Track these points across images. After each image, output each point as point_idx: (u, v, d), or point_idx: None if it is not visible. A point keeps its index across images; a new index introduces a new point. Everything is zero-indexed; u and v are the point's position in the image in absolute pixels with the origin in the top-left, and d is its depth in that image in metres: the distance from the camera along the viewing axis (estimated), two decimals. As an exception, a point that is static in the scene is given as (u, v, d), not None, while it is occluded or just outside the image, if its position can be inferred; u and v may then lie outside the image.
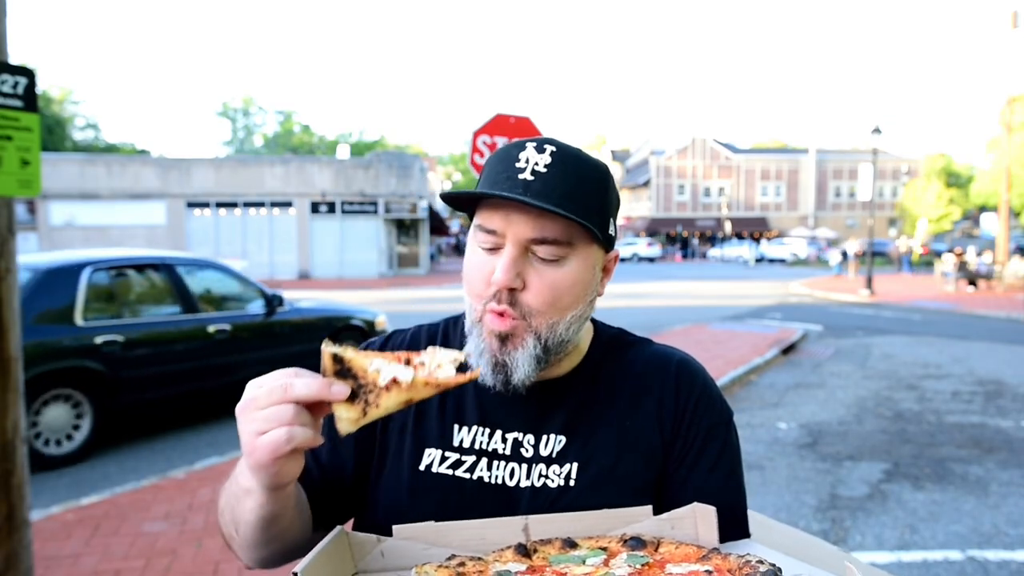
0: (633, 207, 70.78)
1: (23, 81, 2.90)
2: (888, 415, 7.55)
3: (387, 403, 0.80)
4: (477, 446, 1.05)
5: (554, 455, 1.04)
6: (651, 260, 52.02)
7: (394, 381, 0.80)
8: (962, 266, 24.19)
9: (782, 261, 48.19)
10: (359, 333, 8.93)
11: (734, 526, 1.01)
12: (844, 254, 35.27)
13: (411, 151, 60.20)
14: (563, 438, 1.05)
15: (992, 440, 6.60)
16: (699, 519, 0.96)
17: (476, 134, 5.27)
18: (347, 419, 0.80)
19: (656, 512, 0.97)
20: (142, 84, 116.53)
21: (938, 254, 38.98)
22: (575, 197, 0.96)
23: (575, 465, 1.03)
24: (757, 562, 0.83)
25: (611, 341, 1.14)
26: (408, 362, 0.82)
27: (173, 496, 4.91)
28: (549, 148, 0.97)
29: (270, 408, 0.80)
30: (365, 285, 27.50)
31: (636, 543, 0.91)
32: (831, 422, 7.26)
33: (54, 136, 45.94)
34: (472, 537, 0.93)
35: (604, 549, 0.91)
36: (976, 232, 59.08)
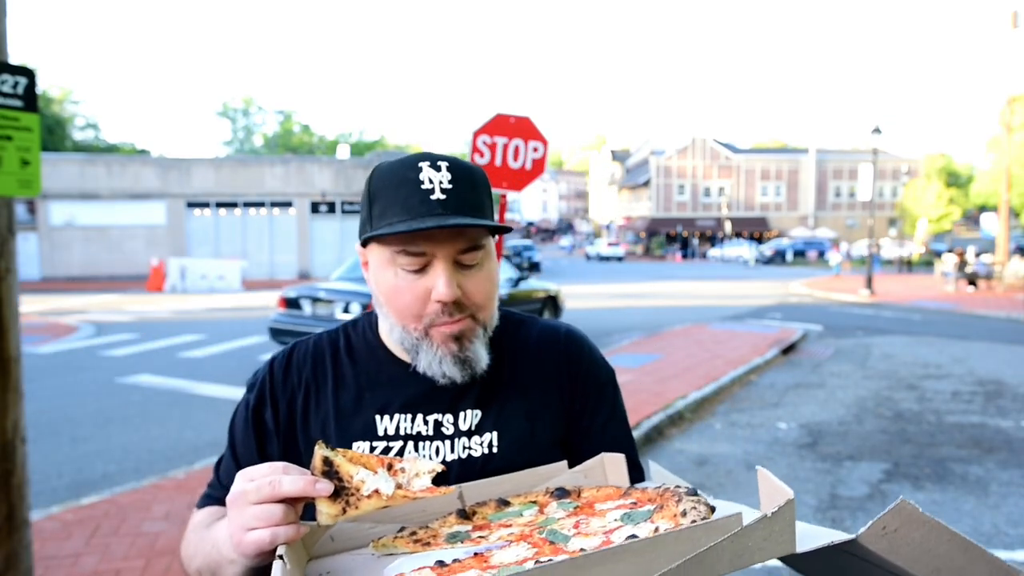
0: (633, 207, 70.74)
1: (23, 81, 2.90)
2: (888, 415, 7.55)
3: (365, 507, 0.86)
4: (402, 432, 1.13)
5: (473, 428, 1.13)
6: (619, 259, 51.66)
7: (376, 492, 0.86)
8: (962, 266, 24.17)
9: (783, 261, 48.19)
10: (552, 300, 12.52)
11: (635, 469, 1.14)
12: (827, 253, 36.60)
13: (411, 151, 60.12)
14: (479, 412, 1.14)
15: (992, 440, 6.60)
16: (607, 466, 1.08)
17: (476, 134, 5.26)
18: (327, 514, 0.86)
19: (570, 466, 1.09)
20: (142, 84, 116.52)
21: (938, 254, 39.02)
22: (479, 204, 1.06)
23: (494, 434, 1.14)
24: (675, 487, 0.90)
25: (503, 321, 1.22)
26: (390, 467, 0.89)
27: (173, 496, 4.91)
28: (443, 164, 1.05)
29: (259, 506, 0.86)
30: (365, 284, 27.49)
31: (561, 492, 1.01)
32: (831, 422, 7.26)
33: (54, 136, 45.92)
34: (414, 510, 1.00)
35: (534, 502, 1.01)
36: (966, 233, 59.01)
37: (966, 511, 4.88)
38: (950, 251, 25.54)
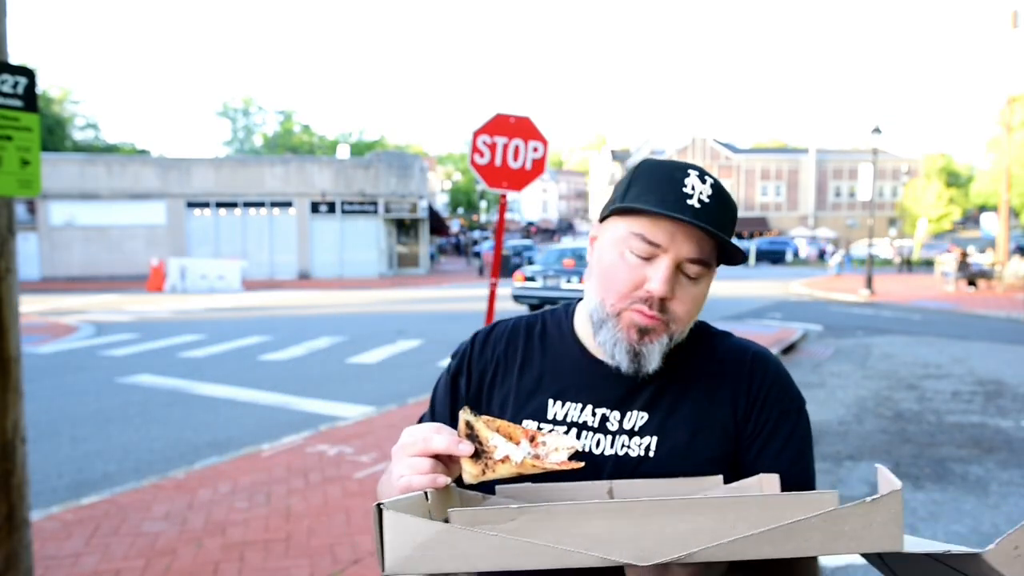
0: (633, 207, 70.65)
1: (23, 81, 2.90)
2: (888, 415, 7.55)
3: (500, 471, 0.94)
4: (569, 419, 1.17)
5: (636, 429, 1.16)
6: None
7: (506, 458, 0.94)
8: (963, 265, 24.16)
9: (782, 261, 48.16)
10: None
11: None
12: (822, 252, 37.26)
13: (411, 151, 60.14)
14: (645, 414, 1.16)
15: (992, 440, 6.60)
16: (764, 486, 1.04)
17: (476, 134, 5.26)
18: (470, 473, 0.94)
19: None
20: (142, 84, 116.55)
21: (936, 251, 39.03)
22: (726, 227, 1.11)
23: (654, 438, 1.15)
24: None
25: (695, 331, 1.24)
26: (532, 439, 0.96)
27: (173, 496, 4.91)
28: (709, 180, 1.10)
29: (413, 458, 0.97)
30: (365, 285, 27.52)
31: None
32: (831, 422, 7.26)
33: (54, 136, 45.91)
34: (564, 497, 1.04)
35: None
36: (966, 233, 59.01)
37: (966, 511, 4.88)
38: (948, 252, 25.50)
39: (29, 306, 18.18)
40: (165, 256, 27.84)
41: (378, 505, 0.80)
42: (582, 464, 0.95)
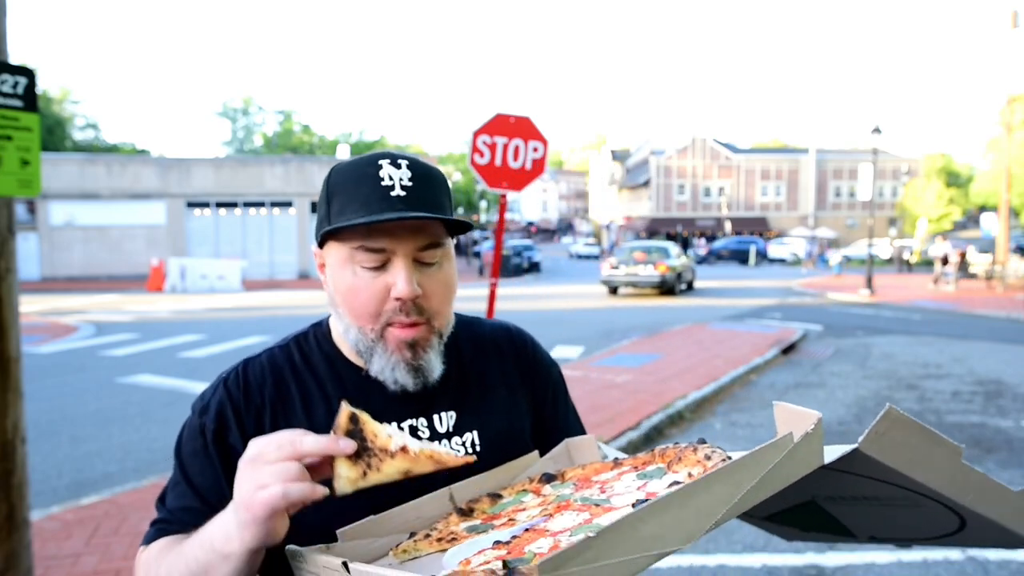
0: (633, 207, 70.73)
1: (23, 81, 2.90)
2: (888, 415, 7.54)
3: (388, 470, 0.84)
4: None
5: (451, 429, 1.13)
6: (595, 257, 54.51)
7: (403, 449, 0.85)
8: (964, 265, 24.21)
9: (782, 261, 48.18)
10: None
11: None
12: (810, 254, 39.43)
13: (411, 151, 60.15)
14: (453, 413, 1.15)
15: (992, 440, 6.60)
16: (573, 451, 1.14)
17: (476, 134, 5.26)
18: (346, 478, 0.83)
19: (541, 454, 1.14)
20: (142, 84, 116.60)
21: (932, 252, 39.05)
22: (438, 203, 1.06)
23: (475, 433, 1.14)
24: (673, 445, 0.96)
25: (457, 323, 1.21)
26: (403, 449, 0.87)
27: (173, 496, 4.90)
28: (403, 162, 1.05)
29: (277, 464, 0.83)
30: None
31: (548, 477, 1.03)
32: (831, 422, 7.26)
33: (54, 136, 45.91)
34: (411, 519, 0.99)
35: (526, 490, 1.02)
36: (966, 233, 59.02)
37: (966, 511, 4.87)
38: (944, 258, 25.76)
39: (29, 306, 18.18)
40: (165, 256, 27.83)
41: (344, 563, 0.76)
42: (475, 459, 0.92)
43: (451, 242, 1.11)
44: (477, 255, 45.88)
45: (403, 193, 1.02)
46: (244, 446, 0.99)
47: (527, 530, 0.86)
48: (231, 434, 1.08)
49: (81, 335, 13.66)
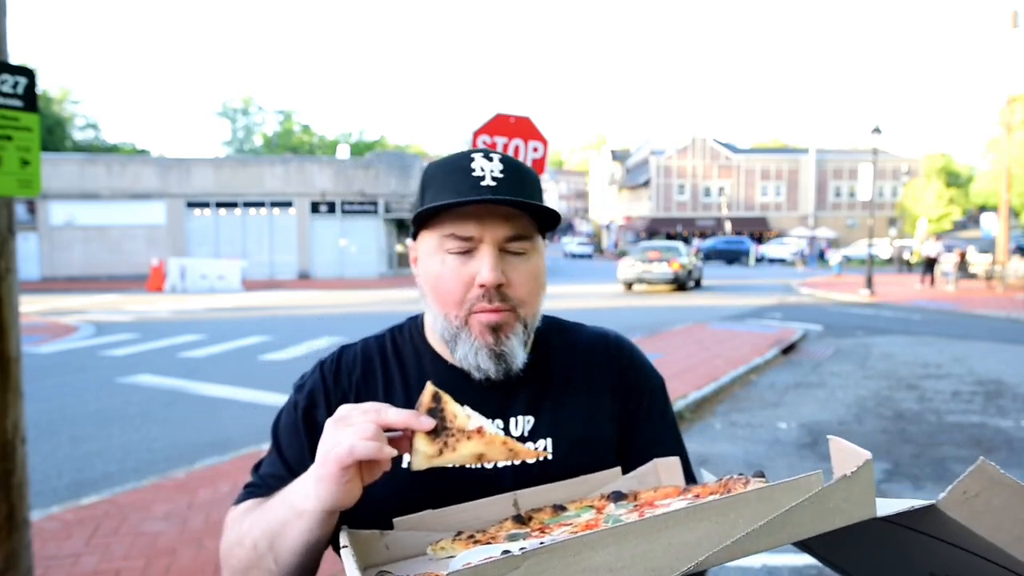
0: (633, 207, 70.71)
1: (23, 81, 2.90)
2: (888, 415, 7.54)
3: (463, 451, 0.86)
4: None
5: (526, 434, 1.13)
6: (588, 257, 56.47)
7: (479, 431, 0.87)
8: (963, 265, 24.23)
9: (782, 261, 48.21)
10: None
11: (687, 474, 1.14)
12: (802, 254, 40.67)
13: (411, 151, 60.16)
14: (531, 418, 1.14)
15: (992, 440, 6.60)
16: (661, 471, 1.07)
17: (476, 134, 5.26)
18: (423, 453, 0.86)
19: (624, 471, 1.10)
20: (142, 84, 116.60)
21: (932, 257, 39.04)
22: (529, 196, 1.08)
23: (549, 440, 1.13)
24: (737, 475, 0.87)
25: (551, 327, 1.24)
26: (479, 431, 0.90)
27: (173, 496, 4.91)
28: (495, 155, 1.08)
29: (357, 425, 0.88)
30: (365, 285, 27.51)
31: (617, 495, 1.00)
32: (831, 422, 7.26)
33: (54, 136, 45.92)
34: (469, 518, 0.99)
35: (591, 507, 1.00)
36: (966, 233, 59.02)
37: (966, 511, 4.88)
38: (934, 259, 25.99)
39: (29, 306, 18.18)
40: (165, 256, 27.84)
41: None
42: (550, 455, 0.93)
43: (540, 239, 1.13)
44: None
45: (493, 183, 1.05)
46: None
47: (541, 544, 0.84)
48: (319, 412, 1.15)
49: (81, 335, 13.66)
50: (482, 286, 1.05)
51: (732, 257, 46.29)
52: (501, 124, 5.30)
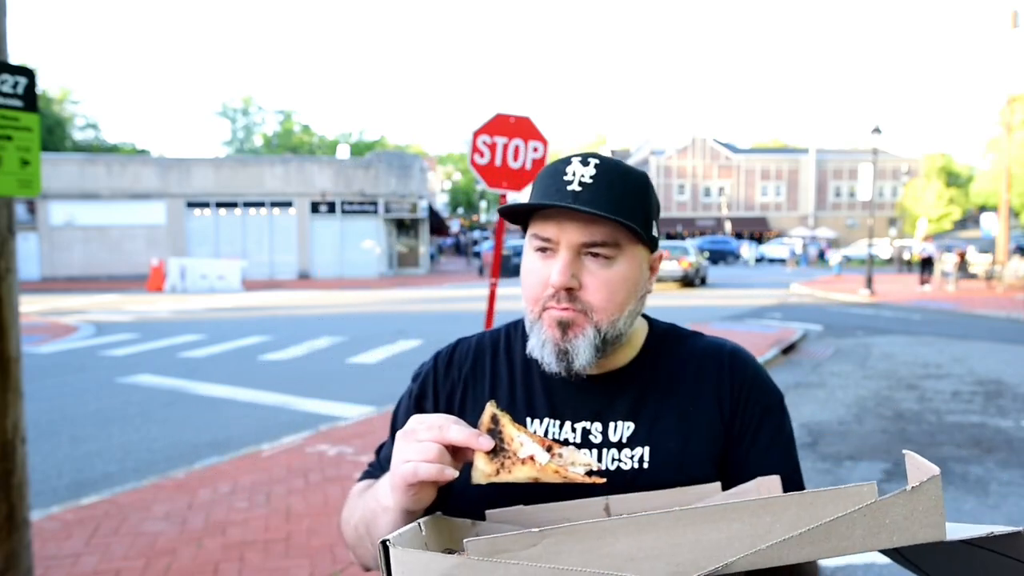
0: (633, 207, 70.60)
1: (23, 81, 2.90)
2: (888, 415, 7.55)
3: (518, 473, 0.89)
4: (550, 436, 1.14)
5: (624, 440, 1.12)
6: None
7: (531, 458, 0.89)
8: (963, 266, 24.23)
9: (782, 261, 48.25)
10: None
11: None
12: (792, 252, 43.80)
13: (411, 151, 60.13)
14: (631, 424, 1.13)
15: (992, 440, 6.60)
16: (763, 490, 1.02)
17: (476, 134, 5.26)
18: (482, 471, 0.89)
19: (724, 488, 1.06)
20: (142, 84, 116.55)
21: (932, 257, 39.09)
22: (619, 203, 1.06)
23: (647, 449, 1.12)
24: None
25: (665, 334, 1.25)
26: (549, 449, 0.92)
27: (173, 496, 4.91)
28: (593, 161, 1.08)
29: (422, 443, 0.92)
30: (365, 285, 27.52)
31: None
32: (831, 422, 7.26)
33: (54, 136, 45.92)
34: (558, 517, 0.99)
35: None
36: (966, 233, 59.02)
37: (966, 511, 4.88)
38: (927, 258, 25.54)
39: (29, 306, 18.19)
40: (165, 256, 27.84)
41: (383, 541, 0.76)
42: (604, 480, 0.92)
43: (636, 248, 1.10)
44: (477, 255, 45.90)
45: (579, 189, 1.05)
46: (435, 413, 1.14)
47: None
48: (427, 401, 1.22)
49: (81, 335, 13.66)
50: (552, 286, 1.07)
51: (718, 256, 46.49)
52: (501, 124, 5.30)
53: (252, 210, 32.15)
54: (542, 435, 1.13)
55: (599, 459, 1.11)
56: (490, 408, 0.92)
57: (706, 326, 14.00)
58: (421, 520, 0.91)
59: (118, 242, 31.12)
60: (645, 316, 1.26)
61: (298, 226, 32.29)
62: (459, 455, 0.95)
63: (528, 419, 1.15)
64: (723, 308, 18.07)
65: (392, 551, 0.73)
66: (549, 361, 1.09)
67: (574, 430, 1.13)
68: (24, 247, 28.06)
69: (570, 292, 1.06)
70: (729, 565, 0.65)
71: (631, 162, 77.76)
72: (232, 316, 16.94)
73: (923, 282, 24.80)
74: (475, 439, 0.91)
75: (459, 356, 1.24)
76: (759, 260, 47.89)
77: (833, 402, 8.14)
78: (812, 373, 9.86)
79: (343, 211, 32.55)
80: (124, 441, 6.56)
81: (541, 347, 1.10)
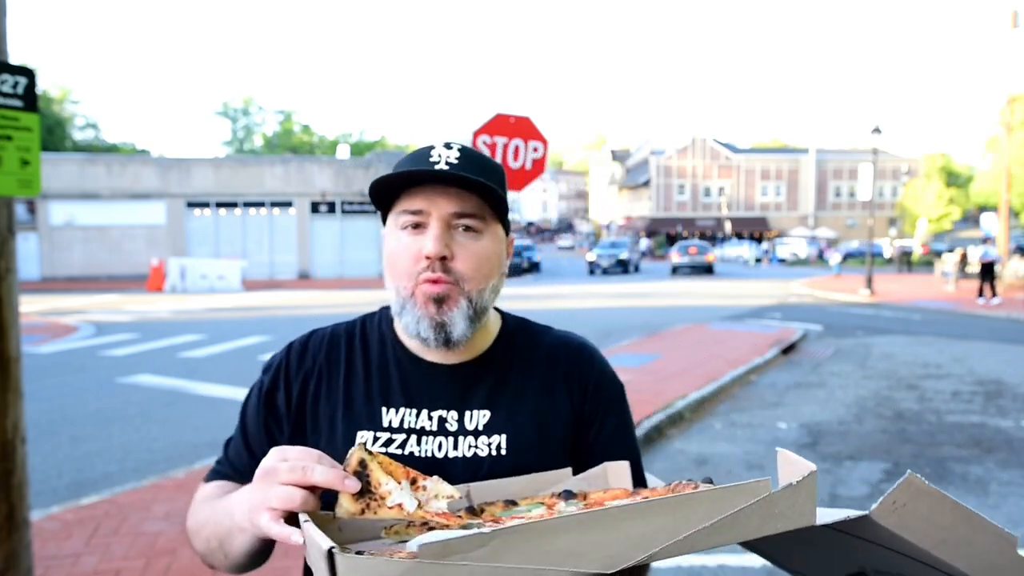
0: (633, 207, 70.73)
1: (23, 81, 2.90)
2: (888, 415, 7.54)
3: (383, 515, 0.88)
4: (405, 425, 1.14)
5: (480, 428, 1.15)
6: (569, 248, 59.55)
7: (399, 506, 0.88)
8: (963, 265, 24.17)
9: (782, 261, 48.29)
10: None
11: (639, 482, 1.18)
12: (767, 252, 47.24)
13: (411, 151, 60.10)
14: (487, 412, 1.16)
15: (992, 440, 6.60)
16: (610, 475, 1.11)
17: (476, 134, 5.26)
18: (346, 509, 0.87)
19: (575, 473, 1.13)
20: (142, 84, 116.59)
21: (938, 254, 39.10)
22: (486, 179, 1.10)
23: (503, 436, 1.15)
24: (686, 481, 0.92)
25: (517, 326, 1.27)
26: (414, 481, 0.91)
27: (173, 496, 4.91)
28: (456, 146, 1.12)
29: (285, 488, 0.88)
30: (365, 285, 27.51)
31: (568, 494, 1.03)
32: (831, 422, 7.26)
33: (54, 136, 45.92)
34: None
35: (542, 503, 1.02)
36: (966, 233, 59.01)
37: (966, 511, 4.88)
38: (988, 265, 19.59)
39: (29, 306, 18.18)
40: (165, 256, 27.83)
41: (329, 550, 0.74)
42: (466, 519, 0.92)
43: (496, 224, 1.15)
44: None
45: (446, 167, 1.08)
46: (285, 407, 1.17)
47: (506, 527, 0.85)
48: (279, 394, 1.18)
49: (81, 335, 13.66)
50: (427, 257, 1.08)
51: (705, 267, 47.62)
52: (501, 124, 5.31)
53: (252, 210, 32.14)
54: (397, 425, 1.14)
55: (454, 446, 1.13)
56: (358, 452, 0.89)
57: (705, 326, 14.00)
58: (304, 516, 0.89)
59: (118, 242, 31.11)
60: (497, 309, 1.27)
61: (298, 226, 32.29)
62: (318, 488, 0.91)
63: (383, 408, 1.15)
64: (723, 308, 18.07)
65: (339, 559, 0.73)
66: (427, 335, 1.10)
67: (430, 418, 1.14)
68: (24, 247, 28.05)
69: (443, 262, 1.08)
70: (654, 554, 0.73)
71: (631, 162, 77.78)
72: (232, 316, 16.95)
73: (982, 292, 18.98)
74: (341, 482, 0.86)
75: (313, 346, 1.22)
76: (759, 260, 47.94)
77: (833, 402, 8.14)
78: (812, 373, 9.86)
79: (343, 211, 32.54)
80: (124, 441, 6.56)
81: (416, 323, 1.10)
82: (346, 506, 0.87)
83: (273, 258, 32.27)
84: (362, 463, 0.89)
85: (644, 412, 7.10)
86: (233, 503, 0.99)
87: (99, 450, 6.27)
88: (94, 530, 4.32)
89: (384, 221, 1.17)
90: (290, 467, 0.89)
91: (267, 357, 1.29)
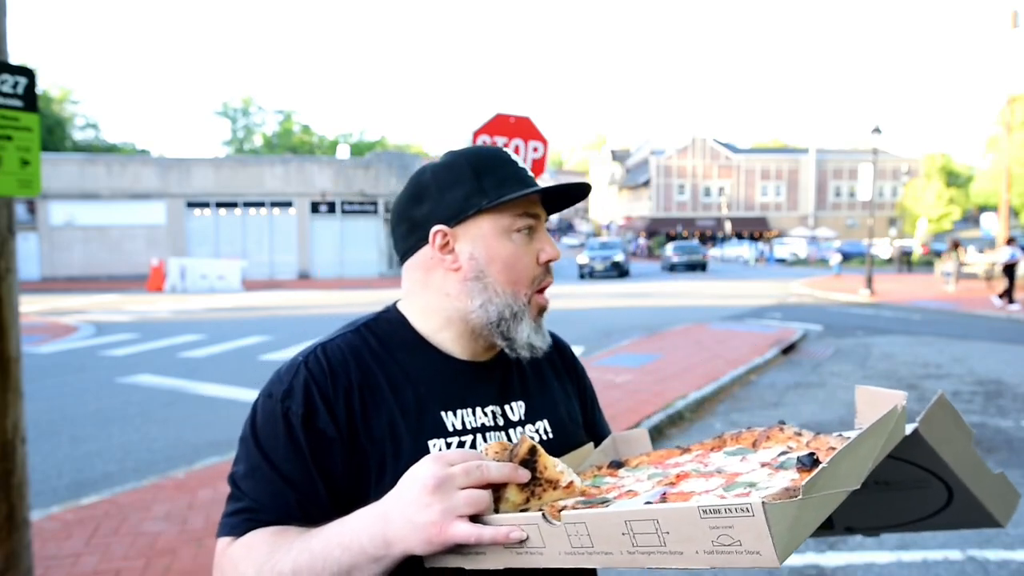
0: (633, 207, 70.73)
1: (23, 81, 2.90)
2: (888, 415, 7.54)
3: (547, 498, 0.91)
4: (467, 426, 1.13)
5: (523, 418, 1.19)
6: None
7: (571, 484, 0.92)
8: (960, 264, 24.15)
9: (782, 261, 48.28)
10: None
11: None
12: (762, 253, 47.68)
13: (411, 151, 60.17)
14: (522, 403, 1.20)
15: (992, 440, 6.60)
16: (620, 444, 1.19)
17: (476, 134, 5.26)
18: (512, 501, 0.89)
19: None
20: (142, 84, 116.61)
21: (938, 253, 39.11)
22: None
23: (546, 421, 1.21)
24: (776, 425, 1.02)
25: None
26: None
27: (173, 496, 4.91)
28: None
29: (468, 491, 0.86)
30: (365, 285, 27.51)
31: (617, 463, 1.07)
32: (831, 422, 7.26)
33: (54, 136, 45.92)
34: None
35: (600, 475, 1.05)
36: (966, 233, 59.05)
37: (966, 511, 4.87)
38: (1010, 267, 18.44)
39: (29, 306, 18.19)
40: (165, 256, 27.84)
41: (762, 503, 0.70)
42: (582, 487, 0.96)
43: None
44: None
45: (532, 175, 1.16)
46: (334, 430, 1.04)
47: (664, 495, 0.84)
48: (320, 418, 1.04)
49: (81, 335, 13.66)
50: (549, 261, 1.13)
51: (698, 265, 47.51)
52: (501, 124, 5.30)
53: (252, 210, 32.14)
54: (461, 427, 1.11)
55: (508, 439, 1.14)
56: (527, 440, 0.91)
57: (705, 326, 14.00)
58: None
59: (118, 242, 31.12)
60: None
61: (298, 226, 32.29)
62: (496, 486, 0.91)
63: (444, 412, 1.10)
64: (723, 308, 18.07)
65: (769, 508, 0.70)
66: (541, 345, 1.15)
67: (486, 414, 1.15)
68: (24, 247, 28.05)
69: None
70: (869, 470, 0.82)
71: (631, 162, 77.79)
72: (232, 316, 16.94)
73: (1004, 295, 18.01)
74: (515, 473, 0.88)
75: (336, 362, 1.09)
76: (757, 260, 47.99)
77: (834, 402, 8.14)
78: (812, 373, 9.86)
79: (343, 211, 32.54)
80: (124, 441, 6.56)
81: (534, 333, 1.14)
82: (512, 499, 0.89)
83: (273, 258, 32.27)
84: (531, 450, 0.91)
85: (644, 412, 7.10)
86: (354, 531, 0.90)
87: (99, 450, 6.27)
88: (94, 530, 4.32)
89: (450, 219, 1.11)
90: (465, 469, 0.86)
91: (269, 357, 1.28)
